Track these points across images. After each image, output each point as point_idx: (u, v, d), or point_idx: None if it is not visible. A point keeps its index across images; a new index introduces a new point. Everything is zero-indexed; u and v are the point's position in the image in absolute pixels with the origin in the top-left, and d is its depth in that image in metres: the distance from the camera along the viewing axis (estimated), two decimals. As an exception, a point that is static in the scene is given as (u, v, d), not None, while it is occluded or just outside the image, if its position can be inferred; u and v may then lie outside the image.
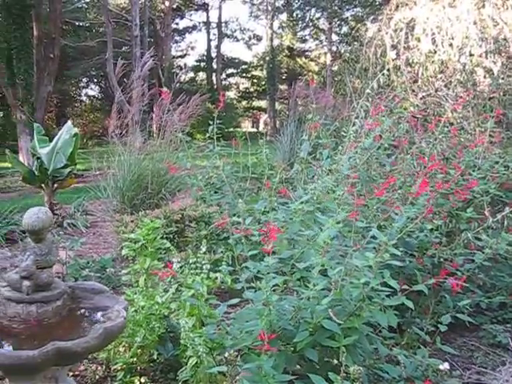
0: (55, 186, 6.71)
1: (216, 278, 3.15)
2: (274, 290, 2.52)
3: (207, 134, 5.21)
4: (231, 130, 26.91)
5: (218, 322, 2.77)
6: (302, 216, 3.17)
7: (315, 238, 2.84)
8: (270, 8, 37.02)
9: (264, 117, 44.93)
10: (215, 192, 5.41)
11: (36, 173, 6.48)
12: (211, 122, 5.09)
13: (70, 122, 6.92)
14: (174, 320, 3.61)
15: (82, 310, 2.75)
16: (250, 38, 42.78)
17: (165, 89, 6.65)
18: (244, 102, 45.10)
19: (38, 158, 6.38)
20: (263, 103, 45.18)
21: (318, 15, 37.20)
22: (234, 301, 2.89)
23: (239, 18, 64.23)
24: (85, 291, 2.82)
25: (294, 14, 38.32)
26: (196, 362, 2.66)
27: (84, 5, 34.92)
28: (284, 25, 39.21)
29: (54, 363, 2.26)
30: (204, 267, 3.15)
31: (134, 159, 6.30)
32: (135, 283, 3.84)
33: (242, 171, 5.65)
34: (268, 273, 2.46)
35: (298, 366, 2.77)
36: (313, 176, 4.45)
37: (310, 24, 37.72)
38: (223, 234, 4.73)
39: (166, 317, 3.55)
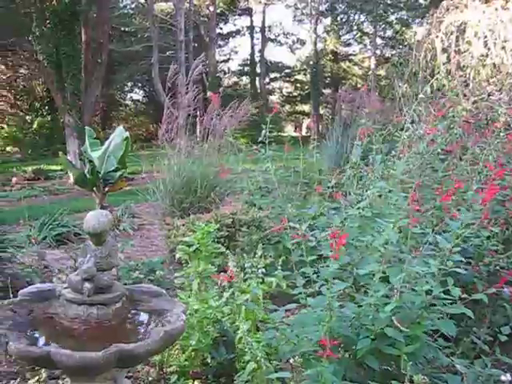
0: (106, 189, 6.81)
1: (271, 282, 3.13)
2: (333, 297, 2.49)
3: (256, 139, 5.21)
4: (274, 134, 26.86)
5: (276, 326, 2.75)
6: (360, 221, 3.14)
7: (373, 243, 2.81)
8: (313, 12, 36.93)
9: (307, 121, 44.81)
10: (262, 195, 5.42)
11: (88, 176, 6.58)
12: (262, 126, 5.09)
13: (121, 127, 7.01)
14: (227, 324, 3.62)
15: (141, 313, 2.77)
16: (293, 42, 42.78)
17: (209, 93, 6.70)
18: (287, 106, 45.05)
19: (91, 162, 6.48)
20: (306, 107, 45.07)
21: (362, 19, 36.98)
22: (291, 306, 2.87)
23: (283, 23, 64.23)
24: (143, 294, 2.84)
25: (338, 18, 38.14)
26: (254, 367, 2.65)
27: (130, 10, 35.44)
28: (328, 29, 39.04)
29: (116, 365, 2.27)
30: (260, 271, 3.13)
31: (184, 163, 6.34)
32: (188, 286, 3.86)
33: (293, 176, 5.63)
34: (334, 278, 2.43)
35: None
36: (365, 181, 4.40)
37: (354, 28, 37.49)
38: (274, 239, 4.73)
39: (219, 321, 3.56)
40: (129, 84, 42.94)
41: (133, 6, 35.83)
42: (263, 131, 5.46)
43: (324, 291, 2.51)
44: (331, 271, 2.42)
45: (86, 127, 7.34)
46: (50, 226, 8.15)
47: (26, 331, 2.48)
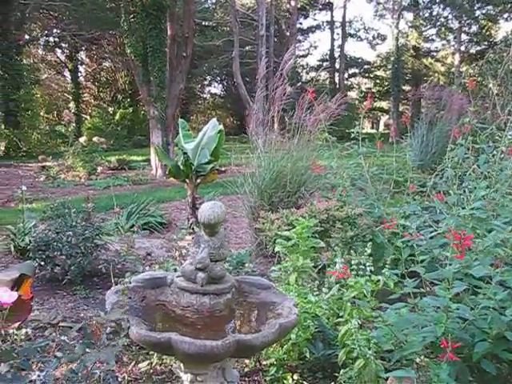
0: (198, 180, 6.92)
1: (378, 280, 3.10)
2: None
3: (337, 134, 5.15)
4: (352, 130, 26.61)
5: (387, 325, 2.72)
6: (472, 222, 3.07)
7: (489, 245, 2.73)
8: (395, 7, 36.27)
9: (384, 118, 44.15)
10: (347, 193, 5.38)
11: (182, 167, 6.71)
12: (342, 122, 5.03)
13: (215, 119, 7.10)
14: (325, 320, 3.61)
15: (251, 305, 2.80)
16: (373, 38, 42.18)
17: (288, 88, 6.71)
18: (366, 103, 44.50)
19: (185, 153, 6.60)
20: (384, 104, 44.41)
21: (445, 13, 36.01)
22: (400, 304, 2.83)
23: (363, 17, 63.44)
24: (252, 286, 2.88)
25: (421, 13, 37.30)
26: (363, 365, 2.64)
27: (212, 5, 35.86)
28: (410, 24, 38.24)
29: (232, 354, 2.31)
30: (368, 269, 3.11)
31: (274, 157, 6.36)
32: (285, 280, 3.87)
33: (385, 173, 5.55)
34: (455, 279, 2.38)
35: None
36: (468, 182, 4.28)
37: (438, 23, 36.53)
38: (368, 236, 4.68)
39: (317, 316, 3.56)
40: (208, 78, 43.55)
41: (214, 0, 36.25)
42: (356, 127, 5.41)
43: (438, 292, 2.47)
44: (452, 272, 2.37)
45: (180, 119, 7.49)
46: (137, 215, 8.39)
47: (140, 316, 2.55)
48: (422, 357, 2.34)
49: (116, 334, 2.33)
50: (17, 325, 2.33)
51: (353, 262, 3.18)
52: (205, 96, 45.60)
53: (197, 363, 2.41)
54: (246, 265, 5.39)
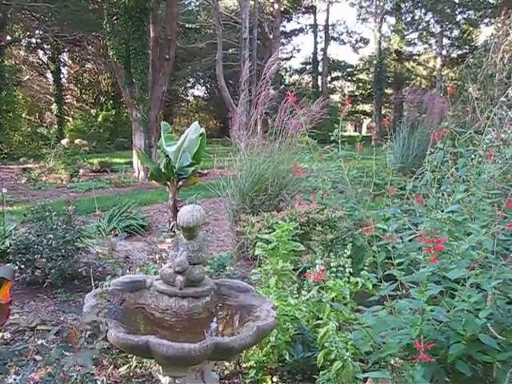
0: (180, 183, 6.93)
1: (357, 282, 3.13)
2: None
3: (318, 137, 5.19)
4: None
5: (364, 327, 2.74)
6: (451, 226, 3.10)
7: (464, 248, 2.77)
8: (378, 11, 36.48)
9: (367, 121, 44.41)
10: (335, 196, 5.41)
11: (163, 170, 6.71)
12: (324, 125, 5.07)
13: (196, 122, 7.12)
14: (304, 322, 3.64)
15: (229, 307, 2.82)
16: (356, 41, 42.33)
17: (271, 91, 6.73)
18: (348, 106, 44.75)
19: (167, 156, 6.60)
20: (367, 107, 44.64)
21: (427, 18, 36.27)
22: (378, 307, 2.86)
23: (346, 21, 63.68)
24: (230, 289, 2.89)
25: (403, 17, 37.55)
26: (340, 366, 2.66)
27: (195, 8, 35.84)
28: (392, 28, 38.47)
29: (210, 357, 2.32)
30: (347, 271, 3.13)
31: (255, 160, 6.39)
32: (265, 283, 3.89)
33: (365, 176, 5.59)
34: (432, 282, 2.41)
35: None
36: (446, 186, 4.33)
37: (420, 27, 36.79)
38: (348, 239, 4.71)
39: (296, 318, 3.59)
40: (191, 80, 43.48)
41: (197, 3, 36.22)
42: (335, 130, 5.44)
43: (413, 294, 2.50)
44: (426, 274, 2.40)
45: (162, 122, 7.49)
46: (119, 218, 8.36)
47: (119, 320, 2.56)
48: (397, 358, 2.37)
49: (94, 337, 2.34)
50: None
51: (332, 264, 3.21)
52: (188, 98, 45.53)
53: (175, 366, 2.42)
54: (227, 267, 5.40)
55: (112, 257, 5.39)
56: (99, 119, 32.22)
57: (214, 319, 2.72)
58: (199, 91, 46.78)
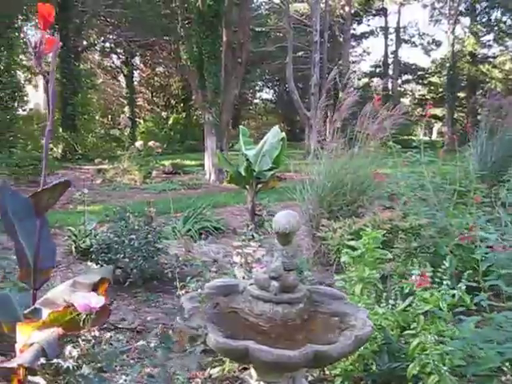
0: (258, 186, 6.96)
1: (453, 294, 3.04)
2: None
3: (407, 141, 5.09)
4: (405, 137, 26.34)
5: (464, 340, 2.67)
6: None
7: None
8: (452, 12, 35.64)
9: (437, 125, 43.45)
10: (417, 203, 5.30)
11: (243, 173, 6.76)
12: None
13: (277, 127, 7.16)
14: (390, 332, 3.57)
15: (322, 315, 2.79)
16: (428, 44, 41.45)
17: (341, 94, 6.66)
18: (419, 110, 43.89)
19: (247, 160, 6.65)
20: (438, 111, 43.67)
21: (504, 19, 35.16)
22: (475, 318, 2.78)
23: (418, 23, 62.37)
24: (323, 296, 2.87)
25: (478, 18, 36.55)
26: (438, 380, 2.60)
27: (265, 11, 36.01)
28: (467, 29, 37.49)
29: (307, 364, 2.31)
30: (445, 282, 3.05)
31: (334, 165, 6.34)
32: (349, 290, 3.85)
33: (448, 183, 5.46)
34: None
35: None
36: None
37: (496, 28, 35.69)
38: (432, 248, 4.61)
39: (384, 328, 3.53)
40: (259, 83, 43.71)
41: (267, 6, 36.36)
42: (417, 135, 5.33)
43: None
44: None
45: (240, 126, 7.57)
46: (194, 220, 8.47)
47: (214, 323, 2.57)
48: (509, 375, 2.28)
49: (193, 341, 2.37)
50: (96, 327, 2.38)
51: (427, 275, 3.13)
52: (256, 102, 45.78)
53: (271, 372, 2.42)
54: (305, 273, 5.37)
55: (198, 259, 5.44)
56: (170, 122, 32.87)
57: (308, 326, 2.71)
58: (267, 94, 46.99)
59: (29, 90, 25.63)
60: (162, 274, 5.96)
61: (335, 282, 4.07)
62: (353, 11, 36.05)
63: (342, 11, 34.98)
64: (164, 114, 35.63)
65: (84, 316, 1.97)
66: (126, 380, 1.79)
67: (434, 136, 42.90)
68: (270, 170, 6.67)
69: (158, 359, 1.91)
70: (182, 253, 6.25)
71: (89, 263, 5.98)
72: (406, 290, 3.32)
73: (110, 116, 37.52)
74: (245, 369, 3.52)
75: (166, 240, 6.58)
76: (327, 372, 3.59)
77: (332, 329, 2.67)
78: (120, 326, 4.42)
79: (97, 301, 1.97)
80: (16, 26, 22.46)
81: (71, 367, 1.98)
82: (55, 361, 2.05)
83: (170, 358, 1.93)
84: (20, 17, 22.78)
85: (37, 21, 24.70)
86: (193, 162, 21.28)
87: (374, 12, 41.04)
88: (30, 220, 2.80)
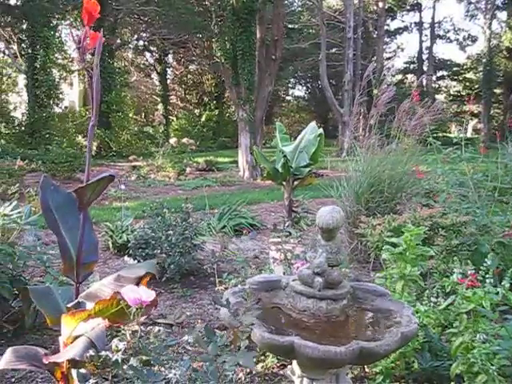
0: (295, 183, 6.94)
1: (497, 293, 2.98)
2: None
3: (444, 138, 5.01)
4: (440, 134, 26.01)
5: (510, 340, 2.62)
6: None
7: None
8: (488, 6, 35.01)
9: (472, 122, 42.76)
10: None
11: (280, 170, 6.75)
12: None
13: (313, 123, 7.12)
14: (431, 330, 3.53)
15: (366, 311, 2.77)
16: (464, 39, 40.88)
17: (375, 91, 6.59)
18: (454, 106, 43.28)
19: (284, 156, 6.63)
20: (473, 107, 42.98)
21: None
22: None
23: (453, 18, 61.51)
24: (366, 292, 2.85)
25: (516, 12, 35.86)
26: (485, 380, 2.55)
27: (298, 8, 35.90)
28: (503, 24, 36.79)
29: (353, 361, 2.29)
30: (488, 281, 2.99)
31: (371, 162, 6.29)
32: (390, 288, 3.81)
33: (489, 180, 5.37)
34: None
35: None
36: None
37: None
38: (473, 246, 4.54)
39: (425, 326, 3.49)
40: (292, 80, 43.63)
41: (300, 3, 36.25)
42: (459, 132, 5.26)
43: None
44: None
45: (277, 123, 7.55)
46: (229, 216, 8.49)
47: (258, 319, 2.56)
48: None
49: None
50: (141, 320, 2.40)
51: (469, 272, 3.07)
52: (288, 99, 45.72)
53: (316, 368, 2.41)
54: (343, 270, 5.33)
55: (232, 253, 5.45)
56: (202, 119, 33.03)
57: (352, 322, 2.68)
58: (300, 91, 46.90)
59: (64, 87, 25.98)
60: (198, 270, 6.00)
61: (375, 279, 4.04)
62: (387, 6, 35.68)
63: (375, 7, 34.66)
64: (197, 111, 35.84)
65: (134, 309, 1.97)
66: (175, 374, 1.79)
67: (469, 133, 42.26)
68: (306, 166, 6.64)
69: (208, 354, 1.90)
70: (218, 249, 6.28)
71: (126, 258, 6.04)
72: (448, 289, 3.26)
73: (143, 113, 37.88)
74: (283, 365, 3.51)
75: (202, 236, 6.61)
76: (367, 370, 3.56)
77: (376, 326, 2.64)
78: (160, 320, 4.44)
79: (147, 295, 1.97)
80: (52, 24, 22.83)
81: (120, 360, 1.99)
82: (104, 353, 2.07)
83: (219, 353, 1.92)
84: (56, 15, 23.16)
85: (71, 19, 25.19)
86: (226, 159, 21.35)
87: (408, 7, 40.59)
88: (72, 214, 2.83)
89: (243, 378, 3.01)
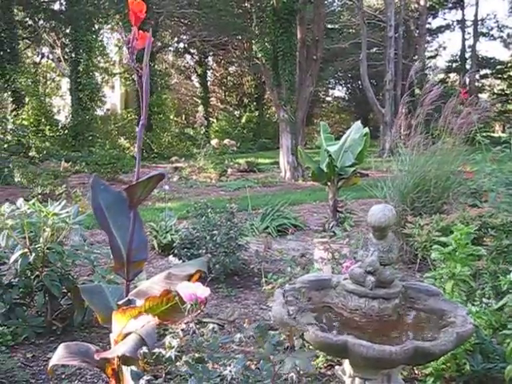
0: (340, 183, 6.90)
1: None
2: None
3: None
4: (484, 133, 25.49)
5: None
6: None
7: None
8: (533, 3, 34.23)
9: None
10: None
11: (325, 170, 6.72)
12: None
13: (359, 122, 7.08)
14: (483, 332, 3.46)
15: (419, 311, 2.74)
16: (508, 36, 39.98)
17: (417, 90, 6.50)
18: (498, 105, 42.35)
19: (329, 156, 6.60)
20: (517, 106, 42.05)
21: None
22: None
23: (497, 15, 60.27)
24: (419, 292, 2.81)
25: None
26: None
27: (338, 8, 35.69)
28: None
29: (406, 361, 2.26)
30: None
31: (417, 161, 6.21)
32: (439, 288, 3.75)
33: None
34: None
35: None
36: None
37: None
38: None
39: (477, 327, 3.42)
40: (332, 81, 43.39)
41: (340, 3, 36.02)
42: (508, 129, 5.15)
43: None
44: None
45: (321, 122, 7.53)
46: (272, 217, 8.49)
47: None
48: None
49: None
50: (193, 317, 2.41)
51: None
52: (328, 99, 45.48)
53: (368, 368, 2.38)
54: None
55: (278, 253, 5.44)
56: (243, 120, 33.13)
57: (404, 322, 2.65)
58: (340, 92, 46.59)
59: (106, 90, 26.42)
60: (242, 270, 6.02)
61: (424, 280, 3.99)
62: (428, 4, 35.17)
63: (416, 5, 34.20)
64: (237, 112, 35.93)
65: (189, 306, 1.99)
66: (230, 371, 1.80)
67: (514, 132, 41.16)
68: (351, 166, 6.60)
69: (264, 353, 1.90)
70: (261, 249, 6.29)
71: (170, 258, 6.09)
72: (504, 287, 3.19)
73: (183, 115, 38.18)
74: (331, 366, 3.49)
75: (245, 236, 6.63)
76: (417, 371, 3.52)
77: (430, 326, 2.60)
78: (206, 320, 4.47)
79: (202, 291, 1.99)
80: (94, 29, 23.24)
81: (173, 357, 2.01)
82: (157, 350, 2.09)
83: (274, 352, 1.92)
84: (99, 19, 23.56)
85: (113, 24, 25.58)
86: (267, 160, 21.36)
87: (450, 5, 39.91)
88: (121, 213, 2.87)
89: (294, 377, 3.00)
